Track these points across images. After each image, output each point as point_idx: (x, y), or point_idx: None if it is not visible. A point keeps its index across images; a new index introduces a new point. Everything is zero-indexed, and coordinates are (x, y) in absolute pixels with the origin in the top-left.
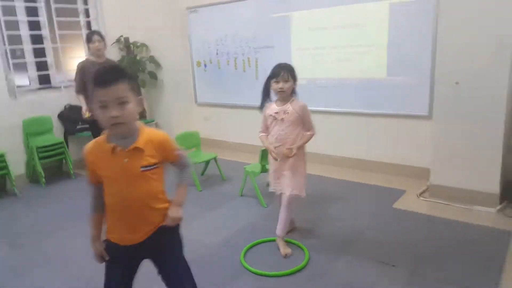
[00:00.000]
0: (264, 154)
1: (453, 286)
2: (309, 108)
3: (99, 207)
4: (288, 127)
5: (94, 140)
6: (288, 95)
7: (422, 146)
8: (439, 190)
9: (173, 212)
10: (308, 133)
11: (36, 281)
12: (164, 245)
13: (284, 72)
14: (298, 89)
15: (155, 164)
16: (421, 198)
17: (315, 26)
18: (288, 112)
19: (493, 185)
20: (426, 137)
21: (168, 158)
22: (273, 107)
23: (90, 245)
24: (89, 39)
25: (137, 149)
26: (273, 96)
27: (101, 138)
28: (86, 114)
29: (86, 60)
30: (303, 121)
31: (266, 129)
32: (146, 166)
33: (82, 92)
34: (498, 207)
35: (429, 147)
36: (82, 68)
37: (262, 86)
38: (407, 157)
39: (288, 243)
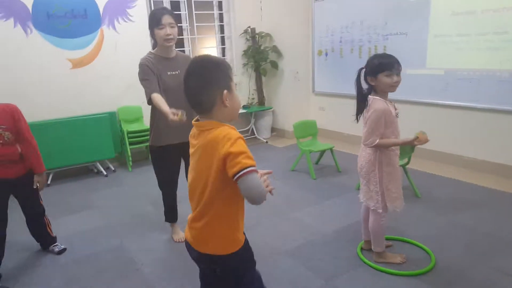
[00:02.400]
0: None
1: None
2: (447, 102)
3: None
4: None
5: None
6: None
7: None
8: None
9: None
10: None
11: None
12: None
13: (397, 64)
14: (433, 81)
15: None
16: None
17: (460, 10)
18: (397, 107)
19: None
20: None
21: None
22: (390, 104)
23: None
24: (156, 21)
25: None
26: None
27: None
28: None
29: (149, 57)
30: None
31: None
32: None
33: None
34: None
35: None
36: (149, 70)
37: (356, 81)
38: None
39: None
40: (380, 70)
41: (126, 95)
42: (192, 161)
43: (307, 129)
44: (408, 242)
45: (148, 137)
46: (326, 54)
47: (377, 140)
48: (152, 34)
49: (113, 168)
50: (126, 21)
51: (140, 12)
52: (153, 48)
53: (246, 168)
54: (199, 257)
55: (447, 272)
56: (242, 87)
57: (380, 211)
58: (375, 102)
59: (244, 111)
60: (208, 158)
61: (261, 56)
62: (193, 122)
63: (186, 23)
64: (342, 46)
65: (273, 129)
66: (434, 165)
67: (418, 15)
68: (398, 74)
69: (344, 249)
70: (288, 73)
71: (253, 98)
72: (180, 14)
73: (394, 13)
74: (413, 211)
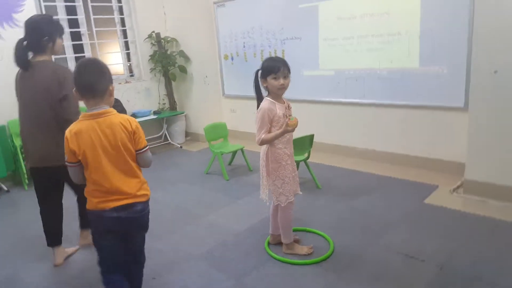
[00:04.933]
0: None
1: (484, 284)
2: (339, 99)
3: None
4: None
5: None
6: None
7: (457, 139)
8: (474, 186)
9: None
10: None
11: None
12: None
13: (283, 67)
14: (325, 80)
15: None
16: (455, 194)
17: (343, 16)
18: (291, 107)
19: None
20: (461, 130)
21: None
22: (279, 105)
23: None
24: (62, 30)
25: None
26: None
27: None
28: None
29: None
30: None
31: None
32: None
33: None
34: None
35: (464, 140)
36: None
37: (253, 82)
38: (441, 151)
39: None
40: (268, 73)
41: (16, 106)
42: (105, 141)
43: (218, 131)
44: (310, 232)
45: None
46: (232, 58)
47: (262, 137)
48: (54, 41)
49: (6, 188)
50: (12, 27)
51: (28, 16)
52: (45, 54)
53: (146, 145)
54: (139, 209)
55: (345, 255)
56: (152, 92)
57: (268, 203)
58: (263, 102)
59: (155, 117)
60: (123, 133)
61: (169, 60)
62: (92, 113)
63: (84, 27)
64: (246, 51)
65: (187, 134)
66: (332, 157)
67: (309, 20)
68: (286, 77)
69: (254, 246)
70: (198, 77)
71: (164, 103)
72: (77, 18)
73: (289, 19)
74: (315, 202)
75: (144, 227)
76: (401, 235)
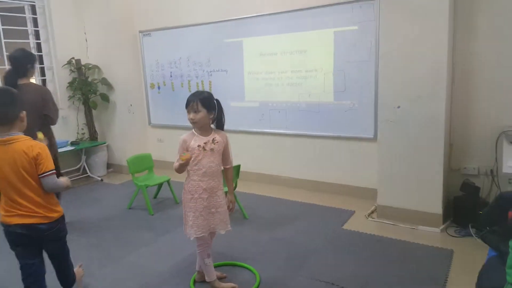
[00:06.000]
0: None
1: None
2: (264, 130)
3: None
4: (217, 158)
5: None
6: (206, 125)
7: (370, 167)
8: (386, 211)
9: None
10: (228, 166)
11: None
12: None
13: (194, 102)
14: (251, 112)
15: None
16: (370, 218)
17: (265, 52)
18: (217, 142)
19: (436, 206)
20: (373, 159)
21: None
22: (198, 138)
23: None
24: (36, 60)
25: None
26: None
27: None
28: None
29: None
30: (224, 153)
31: None
32: None
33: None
34: (441, 227)
35: (376, 168)
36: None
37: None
38: (356, 178)
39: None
40: (186, 107)
41: None
42: (10, 166)
43: (143, 163)
44: (236, 265)
45: None
46: (159, 88)
47: (174, 164)
48: (32, 68)
49: None
50: None
51: None
52: (26, 77)
53: (50, 170)
54: (43, 229)
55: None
56: (69, 121)
57: (188, 236)
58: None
59: (73, 148)
60: (25, 160)
61: (89, 88)
62: (1, 139)
63: None
64: (173, 80)
65: (109, 165)
66: (259, 186)
67: (235, 54)
68: (196, 111)
69: (179, 286)
70: (121, 106)
71: (83, 133)
72: None
73: (216, 52)
74: (241, 233)
75: (56, 240)
76: (323, 262)
